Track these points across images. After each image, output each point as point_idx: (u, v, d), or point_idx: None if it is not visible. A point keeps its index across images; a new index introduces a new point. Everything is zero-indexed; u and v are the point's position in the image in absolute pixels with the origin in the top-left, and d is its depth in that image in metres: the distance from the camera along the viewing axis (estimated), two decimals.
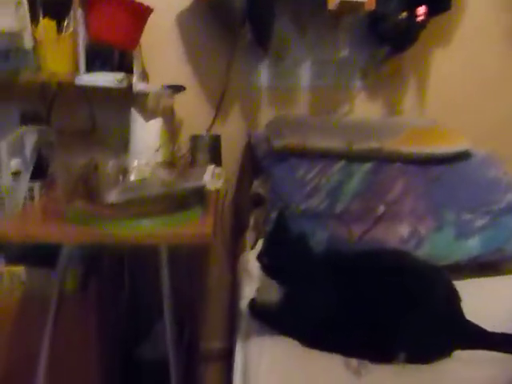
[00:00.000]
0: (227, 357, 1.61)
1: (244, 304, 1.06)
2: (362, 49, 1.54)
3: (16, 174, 1.12)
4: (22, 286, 1.13)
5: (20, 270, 1.12)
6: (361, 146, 1.20)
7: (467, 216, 1.20)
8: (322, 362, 0.88)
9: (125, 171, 1.00)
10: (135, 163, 1.16)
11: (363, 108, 1.57)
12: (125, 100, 1.38)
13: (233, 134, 1.52)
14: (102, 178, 0.97)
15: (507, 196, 1.23)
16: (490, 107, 1.62)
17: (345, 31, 1.51)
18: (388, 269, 0.94)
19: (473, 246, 1.18)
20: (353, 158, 1.21)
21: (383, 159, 1.22)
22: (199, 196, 0.95)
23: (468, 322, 0.96)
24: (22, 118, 1.22)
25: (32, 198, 1.07)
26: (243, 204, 1.55)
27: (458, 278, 0.98)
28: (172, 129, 1.44)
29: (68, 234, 0.85)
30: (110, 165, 0.98)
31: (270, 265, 0.89)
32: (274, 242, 0.91)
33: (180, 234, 0.85)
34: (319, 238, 1.13)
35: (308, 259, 0.91)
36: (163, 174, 0.96)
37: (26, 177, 1.06)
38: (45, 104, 1.27)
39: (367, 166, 1.22)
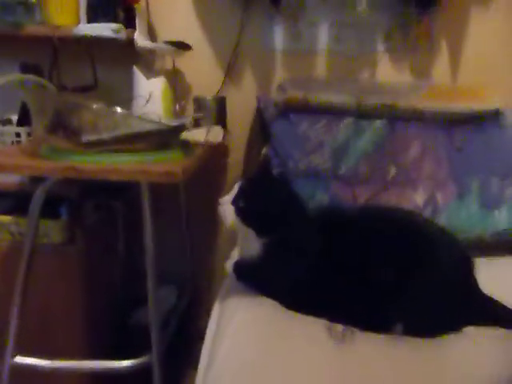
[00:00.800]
0: None
1: (229, 264, 0.97)
2: (386, 10, 1.40)
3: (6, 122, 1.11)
4: (10, 237, 1.10)
5: (8, 220, 1.10)
6: (372, 100, 1.08)
7: (496, 184, 1.04)
8: (302, 325, 0.77)
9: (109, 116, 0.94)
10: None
11: (387, 74, 1.43)
12: (128, 57, 1.34)
13: (244, 99, 1.44)
14: (82, 121, 0.92)
15: None
16: None
17: None
18: (391, 224, 0.81)
19: (499, 218, 1.02)
20: (362, 114, 1.09)
21: (398, 117, 1.09)
22: (178, 137, 0.87)
23: (483, 294, 0.81)
24: (22, 70, 1.20)
25: (19, 142, 1.04)
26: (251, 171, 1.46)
27: (480, 255, 0.83)
28: (176, 89, 1.38)
29: (37, 166, 0.80)
30: (93, 108, 0.93)
31: (246, 209, 0.79)
32: (252, 184, 0.81)
33: (149, 170, 0.77)
34: (319, 199, 1.02)
35: (294, 206, 0.80)
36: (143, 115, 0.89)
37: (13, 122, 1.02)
38: (48, 58, 1.25)
39: (379, 123, 1.09)
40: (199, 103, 1.32)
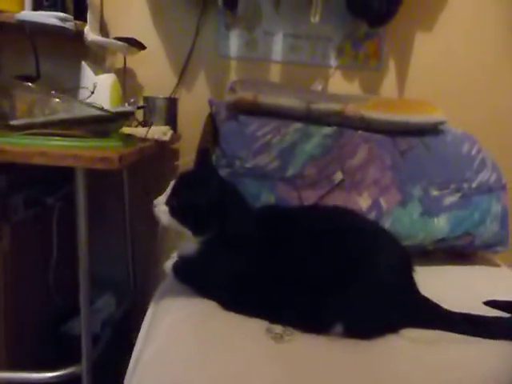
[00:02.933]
0: None
1: (169, 263, 0.92)
2: (339, 25, 1.45)
3: None
4: None
5: None
6: (321, 106, 1.09)
7: (435, 192, 1.07)
8: (239, 325, 0.74)
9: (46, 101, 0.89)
10: None
11: (338, 88, 1.47)
12: (77, 51, 1.29)
13: (197, 103, 1.42)
14: (16, 104, 0.86)
15: (480, 175, 1.11)
16: (475, 96, 1.52)
17: (321, 5, 1.43)
18: (331, 224, 0.80)
19: (439, 226, 1.05)
20: (312, 119, 1.10)
21: (346, 124, 1.10)
22: (119, 126, 0.83)
23: (422, 296, 0.81)
24: None
25: None
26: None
27: (421, 263, 0.84)
28: (126, 88, 1.34)
29: None
30: (28, 92, 0.87)
31: (180, 208, 0.76)
32: (186, 181, 0.78)
33: (81, 155, 0.72)
34: (265, 200, 1.00)
35: (231, 199, 0.78)
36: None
37: None
38: None
39: (328, 129, 1.10)
40: (149, 103, 1.29)
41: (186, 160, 1.47)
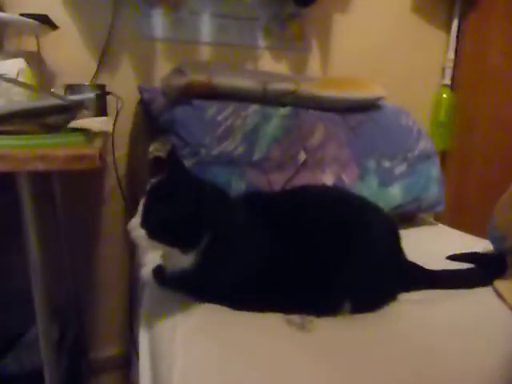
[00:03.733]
0: (125, 366, 1.33)
1: (147, 272, 0.82)
2: (266, 6, 1.43)
3: None
4: None
5: None
6: (276, 86, 1.06)
7: (387, 164, 1.14)
8: (259, 322, 0.69)
9: None
10: None
11: (268, 68, 1.45)
12: None
13: (123, 90, 1.27)
14: None
15: (420, 143, 1.21)
16: (389, 68, 1.64)
17: None
18: (321, 201, 0.79)
19: (394, 194, 1.12)
20: (267, 100, 1.06)
21: (298, 104, 1.10)
22: (71, 118, 0.70)
23: (408, 261, 0.86)
24: None
25: None
26: (139, 174, 1.30)
27: None
28: (40, 76, 1.14)
29: None
30: None
31: (160, 229, 0.65)
32: (160, 193, 0.67)
33: (51, 155, 0.59)
34: (236, 187, 0.95)
35: (215, 202, 0.70)
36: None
37: None
38: None
39: (283, 110, 1.08)
40: (74, 92, 1.11)
41: (118, 155, 1.32)
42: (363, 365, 0.62)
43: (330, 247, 0.74)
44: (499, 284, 0.83)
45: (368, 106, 1.20)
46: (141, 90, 1.24)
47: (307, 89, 1.09)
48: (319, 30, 1.54)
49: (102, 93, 1.01)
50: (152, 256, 0.86)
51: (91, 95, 0.77)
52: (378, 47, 1.63)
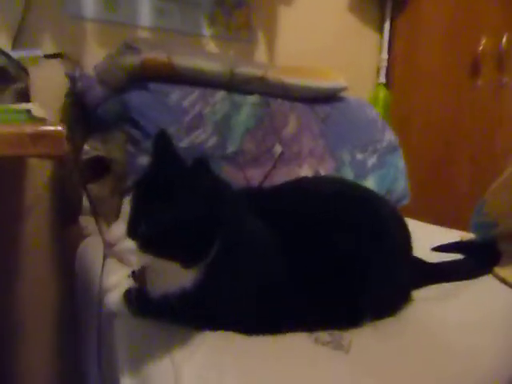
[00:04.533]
0: None
1: (114, 298, 0.63)
2: None
3: None
4: None
5: None
6: (244, 70, 0.93)
7: (359, 156, 1.07)
8: (286, 346, 0.55)
9: None
10: None
11: None
12: None
13: (46, 77, 1.04)
14: None
15: (386, 135, 1.17)
16: (329, 65, 1.60)
17: None
18: (326, 199, 0.67)
19: (369, 187, 1.05)
20: (233, 87, 0.93)
21: (265, 91, 0.98)
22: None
23: (415, 257, 0.78)
24: None
25: None
26: (70, 178, 1.06)
27: None
28: None
29: None
30: None
31: (155, 237, 0.47)
32: (159, 189, 0.49)
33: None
34: None
35: (231, 202, 0.55)
36: None
37: None
38: None
39: (252, 98, 0.95)
40: None
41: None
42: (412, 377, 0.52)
43: (348, 250, 0.62)
44: (500, 271, 0.80)
45: (333, 96, 1.13)
46: (72, 78, 1.02)
47: (275, 75, 0.98)
48: (265, 21, 1.45)
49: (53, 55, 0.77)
50: (117, 277, 0.67)
51: (38, 53, 0.55)
52: (319, 44, 1.58)
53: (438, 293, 0.75)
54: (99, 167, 1.04)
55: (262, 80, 0.96)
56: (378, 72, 1.78)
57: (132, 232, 0.47)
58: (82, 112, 1.04)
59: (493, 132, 1.52)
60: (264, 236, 0.58)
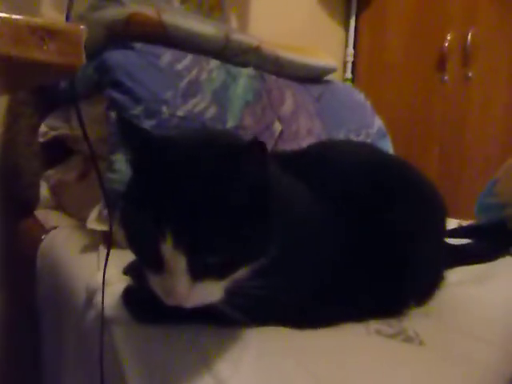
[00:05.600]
0: None
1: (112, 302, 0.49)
2: None
3: None
4: None
5: None
6: (239, 37, 0.82)
7: (354, 138, 1.00)
8: (342, 337, 0.44)
9: None
10: None
11: None
12: None
13: None
14: None
15: (375, 120, 1.11)
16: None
17: None
18: (365, 173, 0.57)
19: None
20: (226, 56, 0.81)
21: (260, 66, 0.88)
22: None
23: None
24: None
25: None
26: (20, 165, 0.87)
27: None
28: None
29: None
30: None
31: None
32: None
33: None
34: None
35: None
36: None
37: None
38: None
39: (247, 70, 0.84)
40: None
41: None
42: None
43: (394, 228, 0.54)
44: None
45: (324, 76, 1.05)
46: None
47: (270, 47, 0.88)
48: (237, 3, 1.35)
49: None
50: (107, 275, 0.52)
51: None
52: (289, 35, 1.52)
53: (464, 275, 0.69)
54: (59, 150, 0.87)
55: (257, 50, 0.86)
56: (344, 67, 1.75)
57: (195, 270, 0.36)
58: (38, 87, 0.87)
59: (460, 125, 1.54)
60: (316, 210, 0.47)
